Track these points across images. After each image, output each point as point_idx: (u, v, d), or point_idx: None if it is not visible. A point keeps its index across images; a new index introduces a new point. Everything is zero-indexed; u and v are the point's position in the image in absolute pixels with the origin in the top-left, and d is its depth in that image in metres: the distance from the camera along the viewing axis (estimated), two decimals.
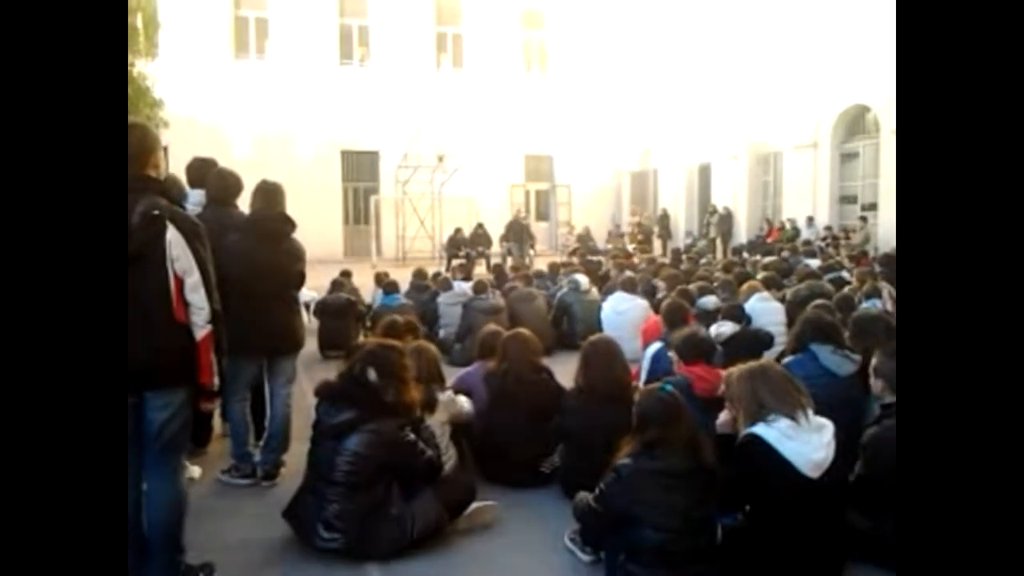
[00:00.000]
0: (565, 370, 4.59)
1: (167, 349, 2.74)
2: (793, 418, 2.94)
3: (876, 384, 3.54)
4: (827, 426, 3.04)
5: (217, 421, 4.79)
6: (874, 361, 3.57)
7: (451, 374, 4.92)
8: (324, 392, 3.56)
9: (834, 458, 2.96)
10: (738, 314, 5.86)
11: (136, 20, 14.77)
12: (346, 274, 9.37)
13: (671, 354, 4.35)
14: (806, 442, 2.93)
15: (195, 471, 4.34)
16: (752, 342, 5.33)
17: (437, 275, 10.15)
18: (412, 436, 3.49)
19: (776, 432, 2.93)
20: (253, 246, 4.07)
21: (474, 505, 3.68)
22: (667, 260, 13.17)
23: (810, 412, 3.01)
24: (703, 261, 13.55)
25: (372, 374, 3.47)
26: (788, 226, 17.08)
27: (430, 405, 3.86)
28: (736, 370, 3.17)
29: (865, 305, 6.43)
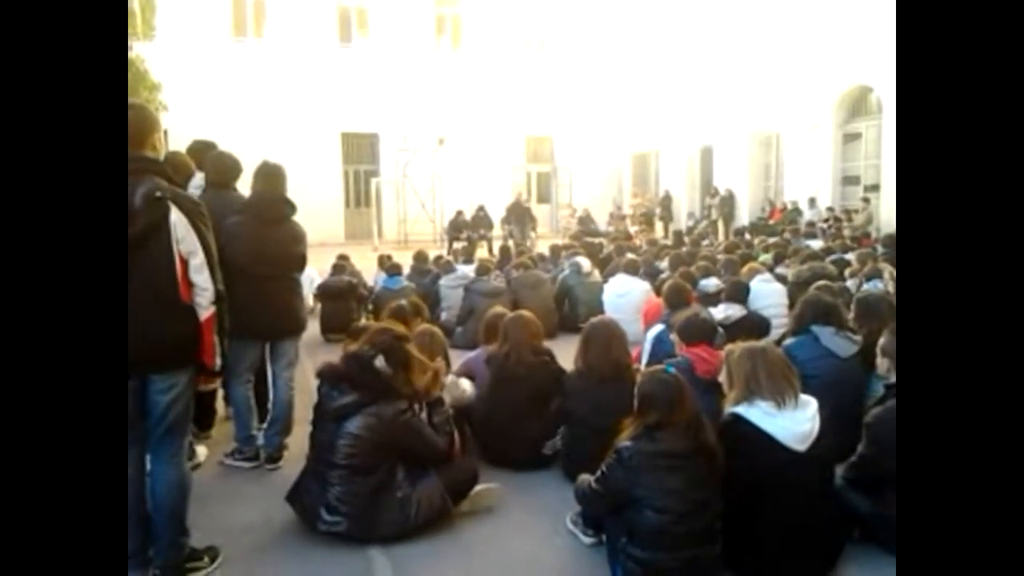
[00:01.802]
0: (567, 352, 4.59)
1: (174, 332, 2.75)
2: (778, 403, 2.96)
3: (882, 363, 3.55)
4: (811, 402, 3.06)
5: (220, 404, 4.81)
6: (881, 341, 3.57)
7: (453, 357, 4.92)
8: (327, 374, 3.54)
9: (821, 433, 2.98)
10: (740, 293, 5.84)
11: (133, 2, 14.63)
12: (343, 258, 9.37)
13: (673, 336, 4.35)
14: (789, 417, 2.96)
15: (201, 452, 4.36)
16: (753, 327, 5.34)
17: (439, 258, 10.15)
18: (415, 419, 3.48)
19: (759, 411, 2.97)
20: (253, 229, 4.04)
21: (476, 488, 3.69)
22: (669, 242, 13.14)
23: (797, 397, 3.03)
24: (705, 243, 13.52)
25: (380, 361, 3.45)
26: (790, 207, 17.00)
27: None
28: (738, 348, 3.19)
29: (867, 287, 6.42)
